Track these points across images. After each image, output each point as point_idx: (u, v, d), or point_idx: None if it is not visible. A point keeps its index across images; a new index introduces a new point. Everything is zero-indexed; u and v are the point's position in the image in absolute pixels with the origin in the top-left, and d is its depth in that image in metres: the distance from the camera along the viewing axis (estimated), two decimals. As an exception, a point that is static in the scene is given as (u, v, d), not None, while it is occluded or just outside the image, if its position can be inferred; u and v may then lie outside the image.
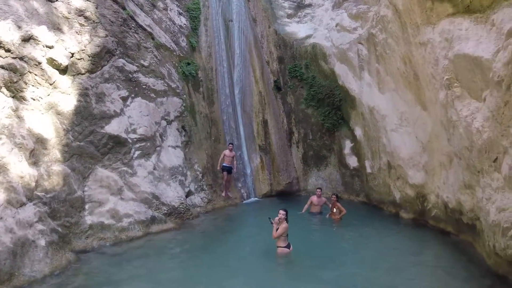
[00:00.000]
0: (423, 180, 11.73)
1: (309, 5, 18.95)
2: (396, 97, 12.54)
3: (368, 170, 14.95)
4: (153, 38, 14.15)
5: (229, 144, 16.01)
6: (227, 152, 15.61)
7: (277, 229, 9.35)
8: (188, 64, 15.81)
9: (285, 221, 9.37)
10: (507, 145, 6.67)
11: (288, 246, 9.47)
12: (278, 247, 9.46)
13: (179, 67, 15.29)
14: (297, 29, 18.25)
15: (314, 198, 13.86)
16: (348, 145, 16.46)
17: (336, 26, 16.32)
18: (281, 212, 9.43)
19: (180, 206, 12.85)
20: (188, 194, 13.88)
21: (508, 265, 7.15)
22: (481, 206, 7.89)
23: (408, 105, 12.02)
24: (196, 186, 14.45)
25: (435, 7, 8.80)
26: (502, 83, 6.50)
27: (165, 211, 12.32)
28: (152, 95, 13.46)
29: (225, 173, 15.53)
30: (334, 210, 12.88)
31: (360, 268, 8.81)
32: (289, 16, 18.74)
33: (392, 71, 12.30)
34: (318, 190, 14.07)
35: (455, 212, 9.84)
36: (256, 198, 16.87)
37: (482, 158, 7.69)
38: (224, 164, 15.52)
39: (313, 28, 17.96)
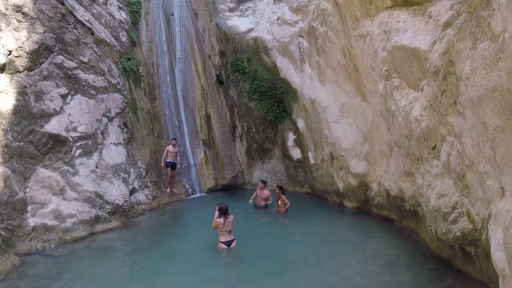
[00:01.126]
0: (365, 169, 12.07)
1: (251, -1, 18.90)
2: (336, 88, 12.79)
3: (312, 161, 15.19)
4: (92, 34, 13.59)
5: (172, 139, 15.78)
6: (170, 147, 15.39)
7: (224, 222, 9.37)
8: (129, 59, 15.31)
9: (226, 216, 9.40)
10: (445, 132, 6.97)
11: (229, 242, 9.42)
12: (219, 242, 9.45)
13: (119, 63, 14.81)
14: (239, 22, 18.18)
15: (258, 191, 13.89)
16: (291, 137, 16.64)
17: (277, 19, 16.39)
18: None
19: (125, 204, 12.62)
20: (132, 191, 13.61)
21: (450, 249, 7.48)
22: (422, 193, 8.21)
23: (349, 97, 12.30)
24: (140, 183, 14.19)
25: (374, 0, 9.03)
26: (438, 73, 6.76)
27: (109, 210, 12.08)
28: (92, 91, 12.99)
29: (169, 169, 15.31)
30: (279, 202, 12.92)
31: (305, 257, 8.92)
32: (231, 9, 18.62)
33: (333, 63, 12.53)
34: (260, 183, 14.07)
35: (397, 199, 10.20)
36: (201, 193, 16.73)
37: (421, 146, 7.99)
38: (168, 160, 15.31)
39: (254, 22, 17.93)
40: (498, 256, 4.66)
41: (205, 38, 18.31)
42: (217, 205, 9.61)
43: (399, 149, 9.36)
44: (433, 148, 7.50)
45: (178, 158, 15.63)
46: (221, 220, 9.33)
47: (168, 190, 15.38)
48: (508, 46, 4.15)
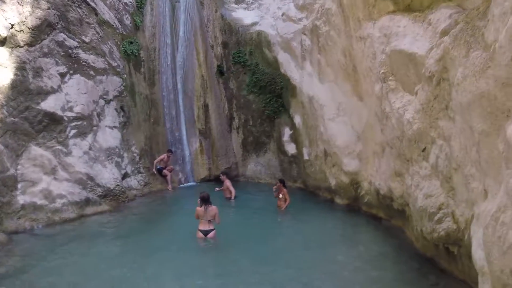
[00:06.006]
0: (357, 168, 12.32)
1: (258, -7, 18.94)
2: (335, 87, 13.01)
3: (306, 157, 15.41)
4: (96, 14, 13.66)
5: (168, 151, 16.00)
6: (165, 158, 15.63)
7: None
8: (131, 43, 15.43)
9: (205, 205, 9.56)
10: (435, 136, 7.22)
11: (207, 232, 9.53)
12: (198, 229, 9.58)
13: (121, 46, 14.91)
14: (244, 15, 18.26)
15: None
16: (287, 132, 16.82)
17: (282, 15, 16.54)
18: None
19: (116, 188, 12.75)
20: (124, 176, 13.77)
21: (434, 248, 7.75)
22: (410, 193, 8.47)
23: (346, 96, 12.52)
24: (132, 168, 14.34)
25: (377, 3, 9.23)
26: (433, 78, 7.00)
27: (100, 193, 12.18)
28: (92, 72, 13.08)
29: (160, 168, 15.66)
30: (280, 196, 12.79)
31: (292, 250, 9.09)
32: (237, 1, 18.70)
33: (333, 62, 12.75)
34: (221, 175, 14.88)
35: (386, 199, 10.46)
36: (194, 183, 16.94)
37: (412, 148, 8.24)
38: (159, 167, 15.58)
39: (259, 16, 18.03)
40: (478, 254, 4.92)
41: (209, 28, 18.41)
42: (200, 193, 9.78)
43: (390, 149, 9.62)
44: (423, 150, 7.76)
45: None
46: (202, 208, 9.49)
47: (169, 187, 15.74)
48: (498, 55, 4.39)
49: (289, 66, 16.00)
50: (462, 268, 6.91)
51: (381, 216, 11.20)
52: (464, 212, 6.37)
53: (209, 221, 9.57)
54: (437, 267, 7.69)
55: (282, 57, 16.37)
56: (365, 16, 9.90)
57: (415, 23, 7.96)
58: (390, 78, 9.00)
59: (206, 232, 9.54)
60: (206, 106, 17.83)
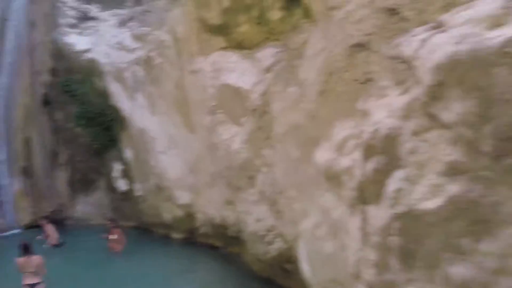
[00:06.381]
0: (190, 200, 12.46)
1: (95, 18, 17.77)
2: (166, 120, 13.13)
3: (138, 193, 14.96)
4: None
5: None
6: None
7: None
8: None
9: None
10: (260, 164, 7.85)
11: (33, 286, 8.53)
12: (22, 284, 8.50)
13: None
14: (77, 41, 17.01)
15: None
16: (118, 167, 16.09)
17: (117, 44, 16.02)
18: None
19: None
20: None
21: (270, 268, 8.26)
22: (242, 219, 8.93)
23: (178, 128, 12.73)
24: None
25: (210, 39, 9.76)
26: (257, 111, 7.65)
27: None
28: None
29: None
30: (112, 237, 11.97)
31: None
32: (71, 26, 17.35)
33: (165, 94, 12.90)
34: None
35: (220, 227, 10.80)
36: (17, 230, 14.91)
37: (240, 176, 8.77)
38: None
39: (93, 43, 17.02)
40: (305, 268, 5.44)
41: (37, 52, 16.74)
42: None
43: (221, 179, 10.05)
44: (251, 178, 8.30)
45: None
46: (24, 259, 8.45)
47: None
48: (308, 91, 5.03)
49: (120, 97, 15.51)
50: (296, 282, 7.37)
51: (218, 245, 11.48)
52: (291, 231, 6.96)
53: (34, 272, 8.50)
54: (276, 284, 8.16)
55: (113, 87, 15.79)
56: (198, 51, 10.36)
57: (244, 59, 8.63)
58: (219, 111, 9.52)
59: (32, 286, 8.48)
60: (29, 140, 16.04)
